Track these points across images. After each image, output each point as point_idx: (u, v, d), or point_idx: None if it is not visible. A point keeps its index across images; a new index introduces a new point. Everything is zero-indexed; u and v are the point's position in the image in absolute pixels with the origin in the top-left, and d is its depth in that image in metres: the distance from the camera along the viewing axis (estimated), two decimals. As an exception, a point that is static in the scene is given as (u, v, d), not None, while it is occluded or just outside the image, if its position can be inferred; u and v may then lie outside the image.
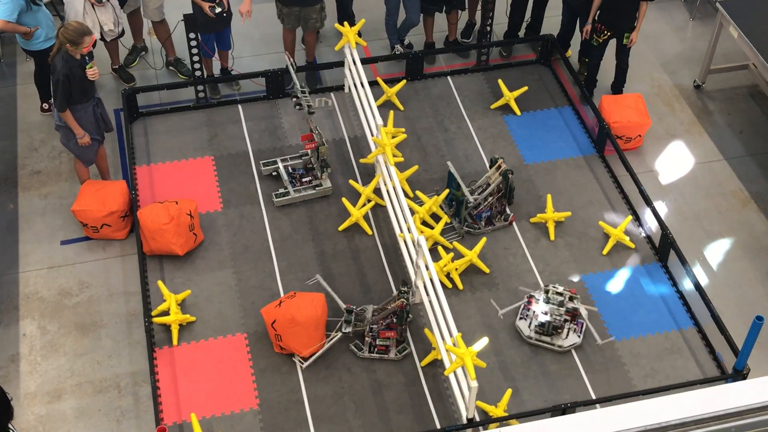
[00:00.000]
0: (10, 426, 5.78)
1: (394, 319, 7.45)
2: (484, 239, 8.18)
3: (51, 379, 7.47)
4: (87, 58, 7.91)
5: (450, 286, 7.96)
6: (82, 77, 7.93)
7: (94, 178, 8.76)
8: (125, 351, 7.66)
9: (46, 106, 9.46)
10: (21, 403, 7.28)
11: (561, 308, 7.67)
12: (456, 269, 8.00)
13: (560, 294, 7.78)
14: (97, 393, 7.39)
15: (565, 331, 7.64)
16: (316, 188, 8.63)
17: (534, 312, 7.70)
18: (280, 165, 8.75)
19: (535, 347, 7.62)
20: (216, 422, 7.09)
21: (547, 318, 7.60)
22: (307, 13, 9.40)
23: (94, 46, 8.03)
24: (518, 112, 9.53)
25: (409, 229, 7.67)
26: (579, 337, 7.62)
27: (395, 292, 7.55)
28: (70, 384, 7.45)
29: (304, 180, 8.68)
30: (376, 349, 7.51)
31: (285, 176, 8.67)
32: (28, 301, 7.99)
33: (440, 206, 8.41)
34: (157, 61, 10.15)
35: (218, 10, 8.96)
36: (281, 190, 8.60)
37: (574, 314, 7.65)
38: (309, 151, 8.60)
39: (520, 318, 7.74)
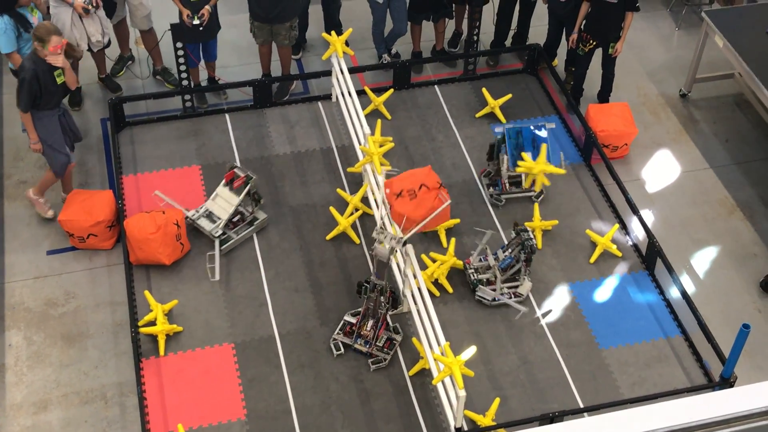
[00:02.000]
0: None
1: (382, 312, 7.49)
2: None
3: (37, 389, 7.43)
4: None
5: (438, 294, 7.96)
6: (49, 83, 7.84)
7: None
8: (112, 361, 7.62)
9: None
10: (7, 414, 7.23)
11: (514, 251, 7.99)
12: (442, 273, 8.00)
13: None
14: (84, 404, 7.35)
15: (521, 275, 7.98)
16: (254, 223, 8.37)
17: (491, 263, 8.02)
18: (203, 216, 8.33)
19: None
20: (203, 433, 7.08)
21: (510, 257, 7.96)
22: (277, 30, 9.42)
23: (65, 53, 7.87)
24: (503, 120, 9.55)
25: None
26: (530, 281, 8.02)
27: (363, 297, 7.54)
28: (56, 395, 7.40)
29: (235, 220, 8.35)
30: (386, 349, 7.53)
31: (220, 224, 8.25)
32: (14, 311, 7.95)
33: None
34: (143, 70, 10.14)
35: (196, 22, 8.95)
36: (222, 237, 8.24)
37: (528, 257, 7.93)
38: (240, 203, 8.26)
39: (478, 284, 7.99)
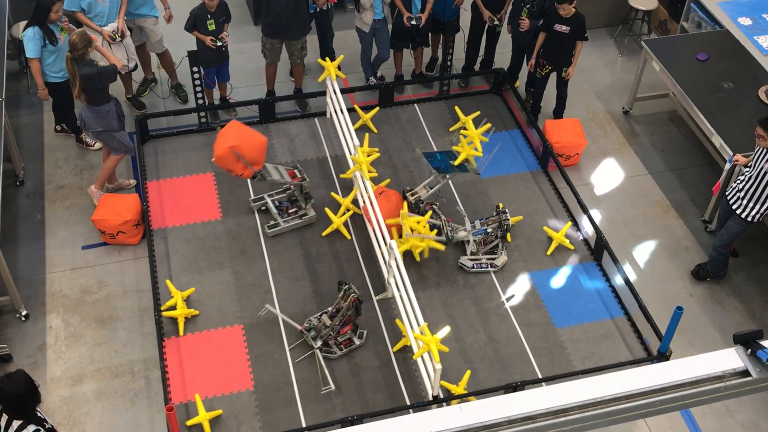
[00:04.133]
0: (37, 409, 5.69)
1: (349, 313, 7.29)
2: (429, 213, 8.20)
3: (74, 365, 7.39)
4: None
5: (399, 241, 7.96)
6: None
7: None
8: (138, 341, 7.59)
9: (58, 128, 9.43)
10: (47, 387, 7.19)
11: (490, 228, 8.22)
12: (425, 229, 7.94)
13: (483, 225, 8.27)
14: (114, 377, 7.32)
15: (499, 249, 8.16)
16: (303, 218, 8.37)
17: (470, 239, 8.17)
18: (268, 200, 8.44)
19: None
20: (217, 401, 7.04)
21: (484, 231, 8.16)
22: (291, 50, 9.39)
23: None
24: (474, 134, 9.54)
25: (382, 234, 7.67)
26: (506, 256, 8.18)
27: (340, 293, 7.37)
28: (90, 369, 7.36)
29: (290, 211, 8.40)
30: (342, 346, 7.39)
31: (273, 209, 8.35)
32: (54, 298, 7.90)
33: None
34: (164, 90, 10.09)
35: (219, 44, 8.95)
36: (272, 222, 8.31)
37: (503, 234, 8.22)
38: (292, 185, 8.41)
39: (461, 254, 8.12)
